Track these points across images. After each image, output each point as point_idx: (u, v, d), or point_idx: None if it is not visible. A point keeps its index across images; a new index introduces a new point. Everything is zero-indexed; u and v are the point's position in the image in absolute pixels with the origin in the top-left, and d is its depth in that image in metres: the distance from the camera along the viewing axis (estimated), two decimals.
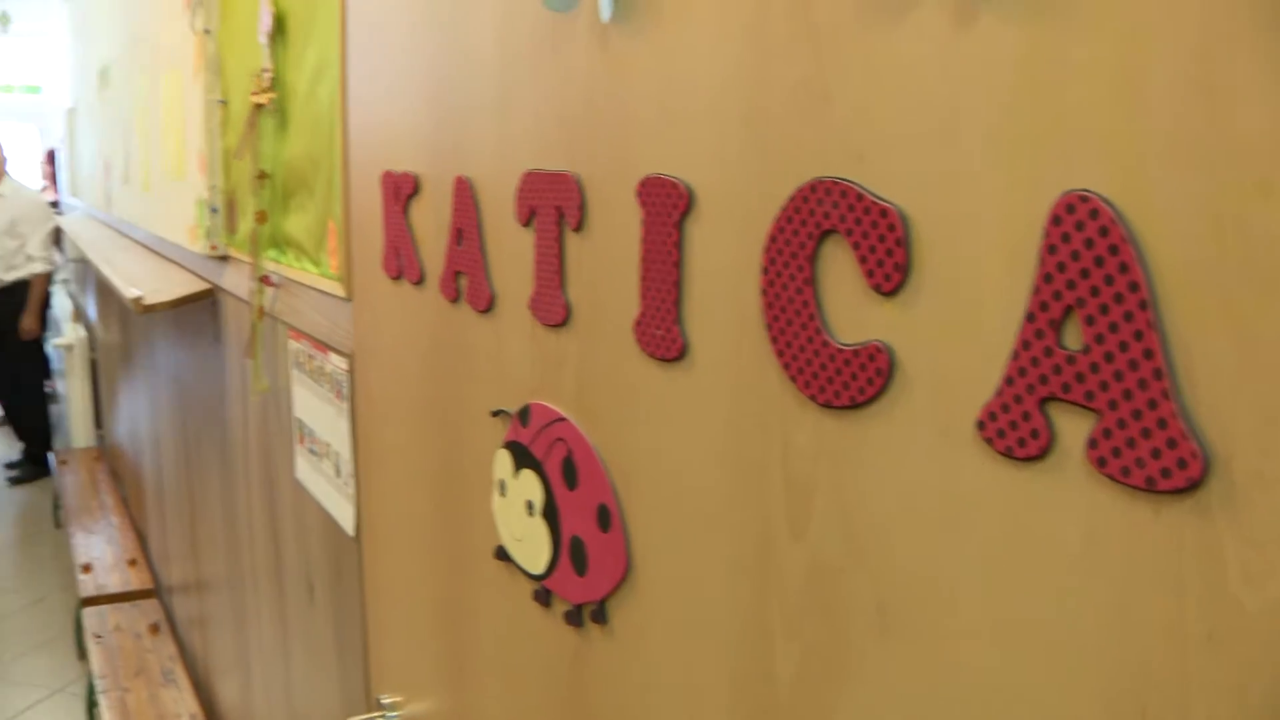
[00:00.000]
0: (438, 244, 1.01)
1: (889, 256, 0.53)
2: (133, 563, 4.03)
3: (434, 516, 1.12)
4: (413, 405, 1.14)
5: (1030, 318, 0.46)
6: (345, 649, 1.56)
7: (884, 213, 0.53)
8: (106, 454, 5.63)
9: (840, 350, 0.56)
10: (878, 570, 0.56)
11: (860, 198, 0.54)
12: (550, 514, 0.86)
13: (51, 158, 8.26)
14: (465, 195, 0.94)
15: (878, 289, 0.54)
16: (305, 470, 1.62)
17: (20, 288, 5.98)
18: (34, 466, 6.20)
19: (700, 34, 0.65)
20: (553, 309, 0.82)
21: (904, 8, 0.52)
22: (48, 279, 6.27)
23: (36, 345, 6.27)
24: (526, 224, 0.85)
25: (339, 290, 1.39)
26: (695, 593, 0.71)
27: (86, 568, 4.00)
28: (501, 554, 0.95)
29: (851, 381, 0.56)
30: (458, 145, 0.98)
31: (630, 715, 0.79)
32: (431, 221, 1.03)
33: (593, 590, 0.82)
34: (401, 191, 1.08)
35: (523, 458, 0.89)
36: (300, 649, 1.88)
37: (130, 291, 2.26)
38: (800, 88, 0.58)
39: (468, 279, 0.95)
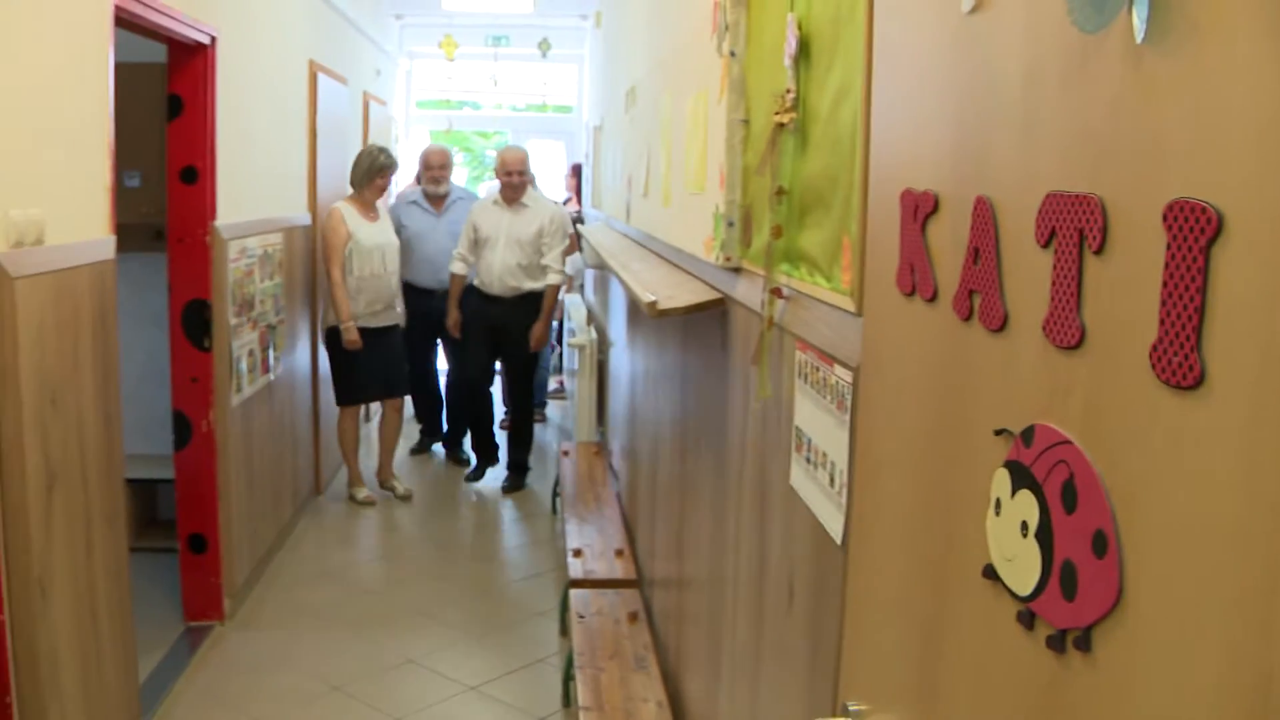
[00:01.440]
0: (953, 262, 1.07)
1: None
2: (619, 553, 4.37)
3: (922, 530, 1.17)
4: (912, 419, 1.20)
5: None
6: (817, 653, 1.64)
7: None
8: (605, 449, 6.12)
9: None
10: None
11: None
12: (1044, 536, 0.89)
13: (576, 171, 8.94)
14: (985, 214, 0.99)
15: None
16: (799, 478, 1.72)
17: (533, 297, 6.27)
18: (520, 475, 6.61)
19: (1242, 54, 0.66)
20: (1067, 331, 0.85)
21: None
22: (559, 290, 6.52)
23: (534, 356, 6.57)
24: (1045, 245, 0.88)
25: (849, 305, 1.48)
26: (1191, 629, 0.72)
27: (578, 552, 4.39)
28: (989, 572, 0.98)
29: None
30: (979, 165, 1.02)
31: None
32: (948, 239, 1.09)
33: (1080, 616, 0.84)
34: (920, 210, 1.14)
35: (1021, 478, 0.92)
36: (771, 650, 1.99)
37: (646, 296, 2.49)
38: None
39: (981, 297, 1.00)
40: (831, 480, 1.54)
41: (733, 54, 2.31)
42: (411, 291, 6.65)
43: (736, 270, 2.31)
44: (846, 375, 1.47)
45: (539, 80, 10.90)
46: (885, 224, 1.29)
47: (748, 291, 2.19)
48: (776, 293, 1.88)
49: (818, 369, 1.62)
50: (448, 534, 6.00)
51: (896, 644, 1.26)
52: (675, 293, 2.60)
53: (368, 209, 6.03)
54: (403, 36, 9.85)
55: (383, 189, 6.11)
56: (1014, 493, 0.93)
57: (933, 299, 1.13)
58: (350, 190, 6.14)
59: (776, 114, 1.87)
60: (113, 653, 3.39)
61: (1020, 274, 0.94)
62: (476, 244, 6.34)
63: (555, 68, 10.57)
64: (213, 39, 4.29)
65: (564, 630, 4.61)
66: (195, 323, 4.38)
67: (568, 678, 3.96)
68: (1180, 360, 0.71)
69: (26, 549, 2.78)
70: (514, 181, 6.20)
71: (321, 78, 6.31)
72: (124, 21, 3.43)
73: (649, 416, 3.98)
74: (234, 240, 4.61)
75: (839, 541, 1.49)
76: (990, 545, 0.98)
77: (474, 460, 6.89)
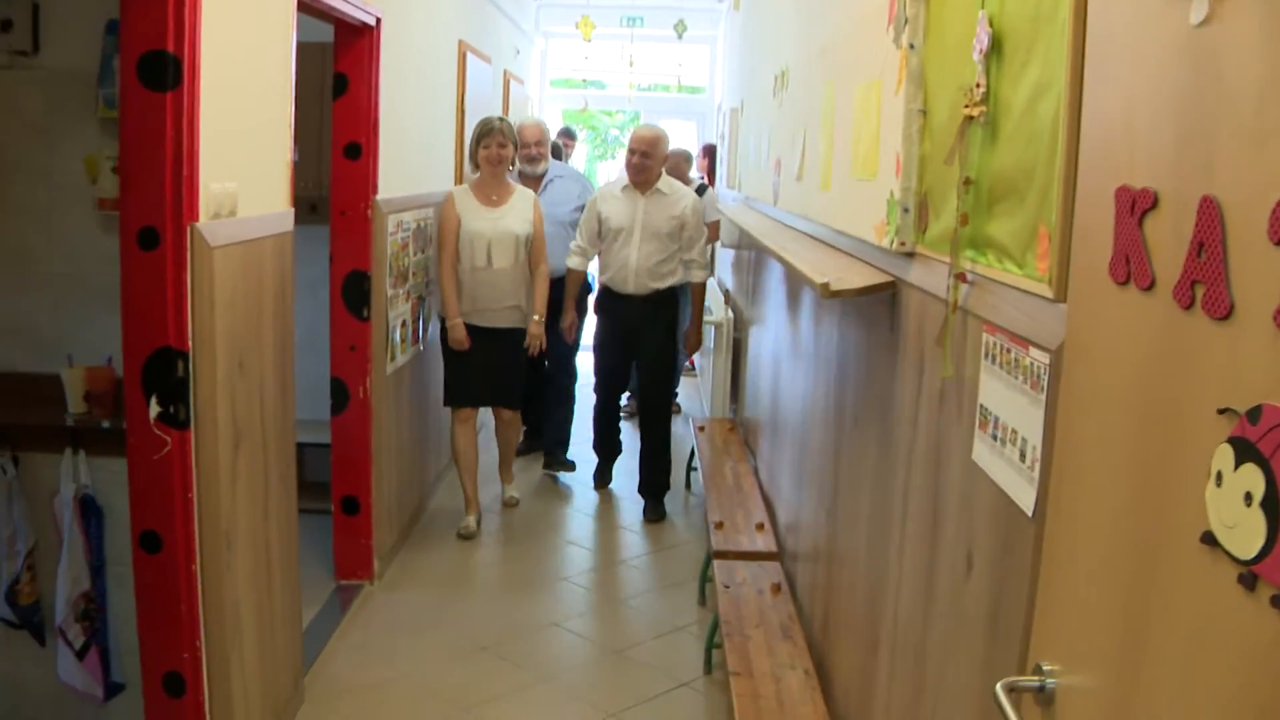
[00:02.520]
0: (1173, 255, 1.17)
1: None
2: (760, 527, 4.50)
3: (1132, 501, 1.27)
4: (1122, 399, 1.30)
5: None
6: (999, 619, 1.75)
7: None
8: (739, 425, 6.24)
9: None
10: None
11: None
12: (1269, 505, 0.99)
13: (708, 152, 8.95)
14: (1211, 212, 1.09)
15: None
16: (983, 453, 1.83)
17: (666, 294, 5.79)
18: (660, 499, 6.04)
19: None
20: None
21: None
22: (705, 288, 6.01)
23: (673, 362, 6.07)
24: (1278, 242, 0.98)
25: (1045, 291, 1.58)
26: None
27: (719, 525, 4.54)
28: (1208, 538, 1.09)
29: None
30: (1205, 167, 1.12)
31: None
32: (1168, 233, 1.19)
33: None
34: (1138, 205, 1.24)
35: (1246, 453, 1.02)
36: (942, 617, 2.09)
37: (819, 278, 2.60)
38: None
39: (1205, 288, 1.10)
40: (1022, 456, 1.64)
41: (911, 46, 2.40)
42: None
43: (910, 255, 2.41)
44: (1043, 357, 1.57)
45: (673, 61, 11.02)
46: (1096, 217, 1.38)
47: (923, 275, 2.29)
48: (960, 278, 1.98)
49: (1008, 350, 1.72)
50: (585, 505, 6.19)
51: (1097, 608, 1.36)
52: (844, 275, 2.71)
53: (488, 191, 5.47)
54: (539, 16, 10.04)
55: (493, 163, 5.42)
56: (1237, 466, 1.03)
57: (1149, 288, 1.23)
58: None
59: (966, 106, 1.96)
60: (281, 606, 3.63)
61: (1248, 268, 1.04)
62: (601, 236, 5.81)
63: (687, 48, 10.67)
64: (378, 20, 4.49)
65: (702, 600, 4.76)
66: (355, 293, 4.61)
67: (710, 645, 4.10)
68: None
69: (216, 504, 3.01)
70: (635, 162, 5.69)
71: (470, 57, 6.51)
72: (302, 4, 3.63)
73: (797, 394, 4.09)
74: (392, 214, 4.83)
75: (1030, 514, 1.60)
76: (1210, 514, 1.08)
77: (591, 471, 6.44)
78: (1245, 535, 1.02)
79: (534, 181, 6.24)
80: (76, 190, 3.25)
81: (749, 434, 5.89)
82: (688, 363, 8.75)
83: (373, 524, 4.84)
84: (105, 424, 3.29)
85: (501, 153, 5.43)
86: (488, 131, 5.42)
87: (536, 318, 5.54)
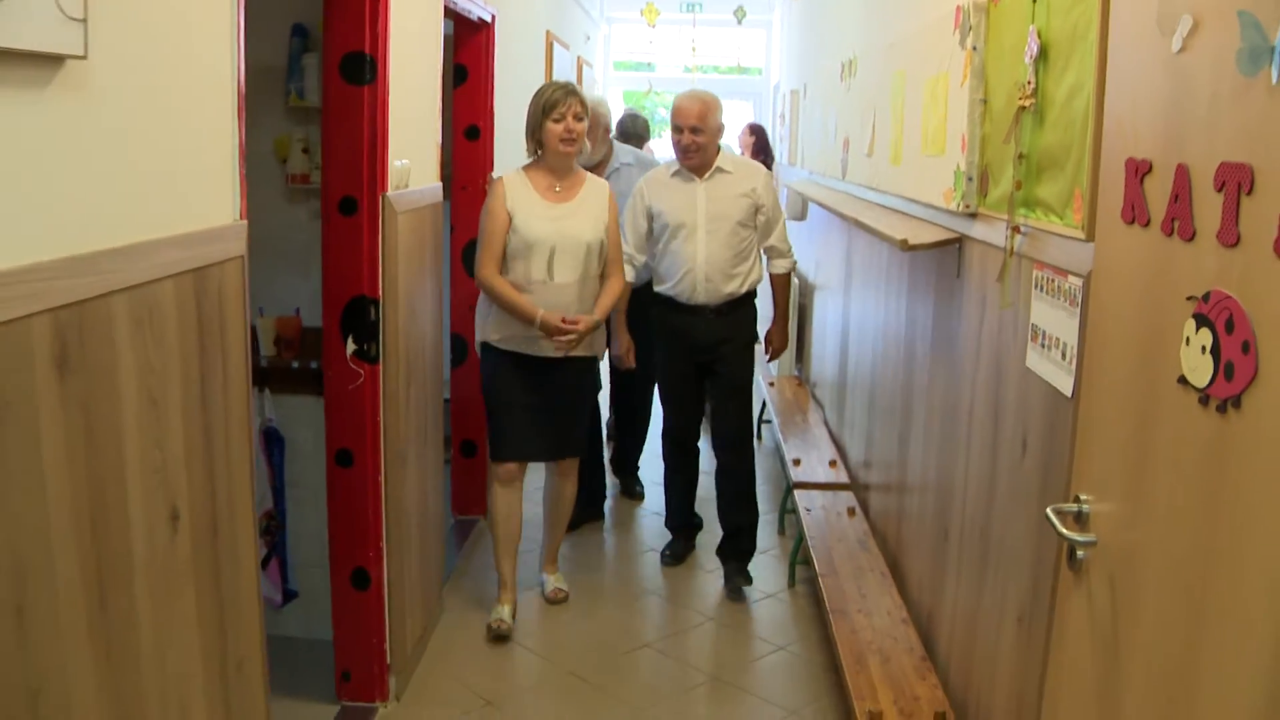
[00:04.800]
0: (1160, 201, 1.81)
1: None
2: (833, 464, 5.17)
3: (1135, 369, 1.92)
4: (1128, 301, 1.95)
5: None
6: (1049, 477, 2.40)
7: None
8: (805, 382, 6.90)
9: None
10: None
11: None
12: (1215, 351, 1.63)
13: (754, 131, 9.42)
14: (1183, 174, 1.73)
15: None
16: (1035, 360, 2.48)
17: (742, 302, 4.74)
18: (747, 553, 4.94)
19: None
20: (1230, 236, 1.59)
21: None
22: (790, 280, 5.06)
23: (751, 382, 4.95)
24: (1219, 190, 1.62)
25: (1079, 235, 2.23)
26: None
27: (797, 461, 5.20)
28: (1181, 380, 1.73)
29: None
30: (1179, 146, 1.77)
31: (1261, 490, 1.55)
32: (1158, 188, 1.83)
33: (1234, 389, 1.58)
34: (1140, 170, 1.89)
35: (1202, 321, 1.67)
36: (1003, 493, 2.75)
37: (898, 235, 3.25)
38: None
39: (1179, 222, 1.74)
40: (1063, 355, 2.30)
41: (975, 48, 3.04)
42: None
43: (973, 215, 3.05)
44: (1078, 282, 2.22)
45: (731, 44, 11.64)
46: (1113, 179, 2.03)
47: (985, 231, 2.94)
48: (1016, 230, 2.62)
49: (1053, 280, 2.37)
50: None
51: (1114, 450, 2.01)
52: (917, 233, 3.35)
53: (551, 180, 4.23)
54: (604, 3, 10.70)
55: (568, 141, 4.14)
56: (1197, 329, 1.68)
57: (1146, 225, 1.87)
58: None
59: (1020, 99, 2.60)
60: (433, 519, 4.33)
61: (1204, 208, 1.68)
62: (653, 235, 4.71)
63: (744, 32, 11.30)
64: (493, 16, 5.16)
65: (781, 529, 5.43)
66: (473, 258, 5.29)
67: (794, 562, 4.78)
68: None
69: (397, 427, 3.71)
70: (684, 142, 4.58)
71: (555, 46, 7.18)
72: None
73: (870, 344, 4.74)
74: None
75: (1069, 395, 2.25)
76: (1183, 364, 1.73)
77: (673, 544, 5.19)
78: (1202, 373, 1.67)
79: (593, 171, 4.89)
80: (267, 168, 3.93)
81: (816, 389, 6.54)
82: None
83: (486, 464, 5.54)
84: (294, 364, 3.98)
85: (577, 127, 4.16)
86: (557, 99, 4.14)
87: (595, 317, 4.25)
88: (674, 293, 4.69)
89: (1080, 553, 2.14)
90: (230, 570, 2.36)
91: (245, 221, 2.40)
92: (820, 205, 5.56)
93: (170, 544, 2.06)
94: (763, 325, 4.94)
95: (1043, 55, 2.54)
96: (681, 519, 5.17)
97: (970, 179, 3.03)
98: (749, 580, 4.77)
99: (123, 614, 1.89)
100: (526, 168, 4.29)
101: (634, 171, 5.29)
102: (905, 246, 3.21)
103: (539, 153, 4.25)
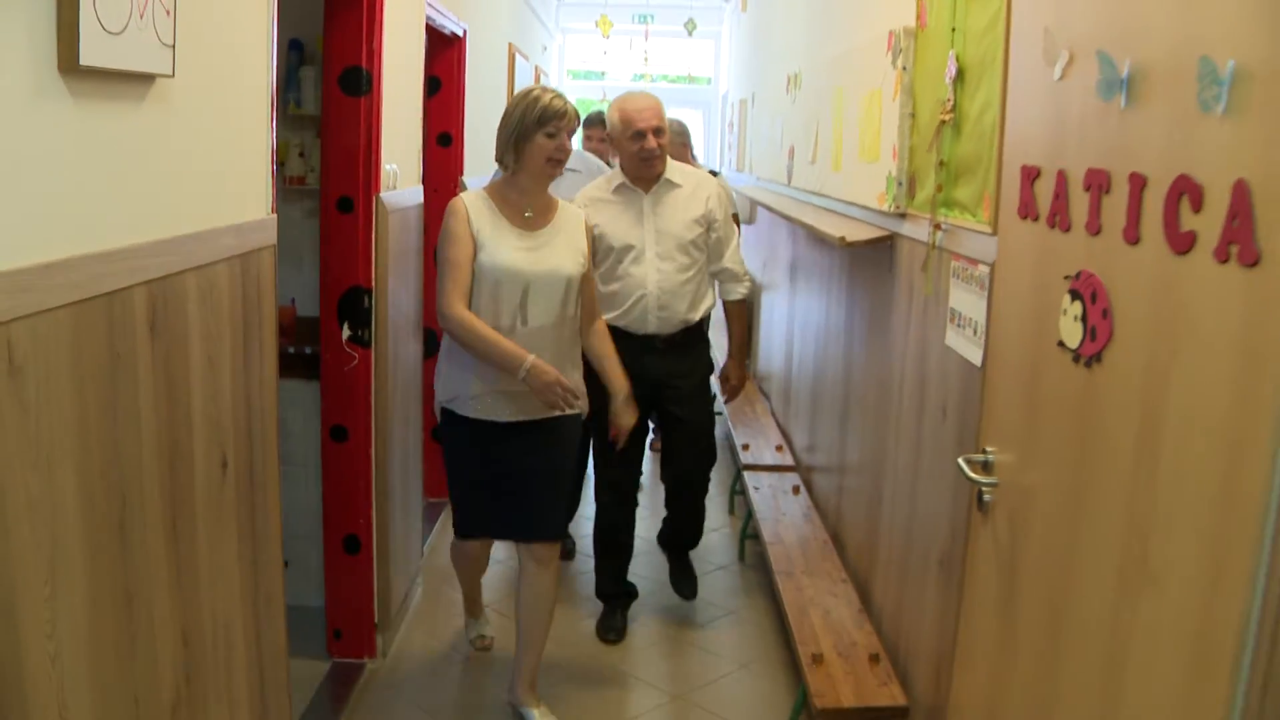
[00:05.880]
0: (1045, 200, 2.24)
1: None
2: (779, 448, 5.60)
3: (1028, 339, 2.35)
4: (1022, 282, 2.38)
5: None
6: (963, 435, 2.83)
7: None
8: (754, 376, 7.32)
9: None
10: None
11: None
12: (1083, 319, 2.05)
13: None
14: (1061, 178, 2.16)
15: None
16: (952, 338, 2.91)
17: (696, 328, 4.34)
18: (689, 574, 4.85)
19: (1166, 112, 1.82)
20: (1094, 225, 2.01)
21: None
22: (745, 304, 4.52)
23: (711, 413, 4.65)
24: (1086, 190, 2.05)
25: (987, 230, 2.66)
26: (1139, 343, 1.88)
27: (746, 446, 5.62)
28: (1060, 344, 2.15)
29: None
30: (1059, 154, 2.19)
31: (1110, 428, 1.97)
32: (1044, 189, 2.26)
33: (1097, 347, 2.01)
34: (1031, 176, 2.32)
35: (1075, 295, 2.09)
36: (928, 453, 3.18)
37: (837, 234, 3.68)
38: None
39: (1059, 216, 2.17)
40: (974, 331, 2.72)
41: (904, 68, 3.47)
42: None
43: (902, 215, 3.48)
44: (986, 269, 2.65)
45: (682, 55, 12.08)
46: (1011, 182, 2.46)
47: (912, 228, 3.37)
48: (937, 227, 3.05)
49: (967, 269, 2.80)
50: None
51: (1012, 407, 2.44)
52: (854, 231, 3.78)
53: (521, 205, 3.57)
54: (559, 14, 11.11)
55: (555, 162, 3.54)
56: (1072, 301, 2.10)
57: (1036, 220, 2.30)
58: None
59: (941, 114, 3.03)
60: (414, 490, 4.71)
61: (1075, 204, 2.10)
62: (597, 259, 4.10)
63: (694, 43, 11.75)
64: (465, 31, 5.54)
65: (731, 510, 5.84)
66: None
67: (744, 537, 5.20)
68: (1134, 231, 1.87)
69: (386, 406, 4.09)
70: (649, 147, 4.09)
71: (517, 57, 7.57)
72: None
73: (811, 338, 5.17)
74: None
75: (979, 365, 2.68)
76: (1061, 331, 2.15)
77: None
78: (1074, 336, 2.10)
79: None
80: None
81: (762, 382, 6.97)
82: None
83: None
84: (290, 349, 4.34)
85: (567, 148, 3.57)
86: (557, 109, 3.49)
87: (624, 396, 3.80)
88: (623, 323, 4.17)
89: (986, 495, 2.57)
90: (262, 516, 2.73)
91: (275, 215, 2.77)
92: (768, 209, 5.99)
93: (220, 487, 2.44)
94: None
95: (960, 77, 2.97)
96: (617, 586, 4.56)
97: (900, 183, 3.46)
98: (694, 582, 4.73)
99: (189, 542, 2.27)
100: (489, 188, 3.62)
101: (582, 179, 4.70)
102: (843, 243, 3.64)
103: (513, 168, 3.54)
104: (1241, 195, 1.56)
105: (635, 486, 4.50)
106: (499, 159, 3.60)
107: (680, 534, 4.75)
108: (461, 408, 3.60)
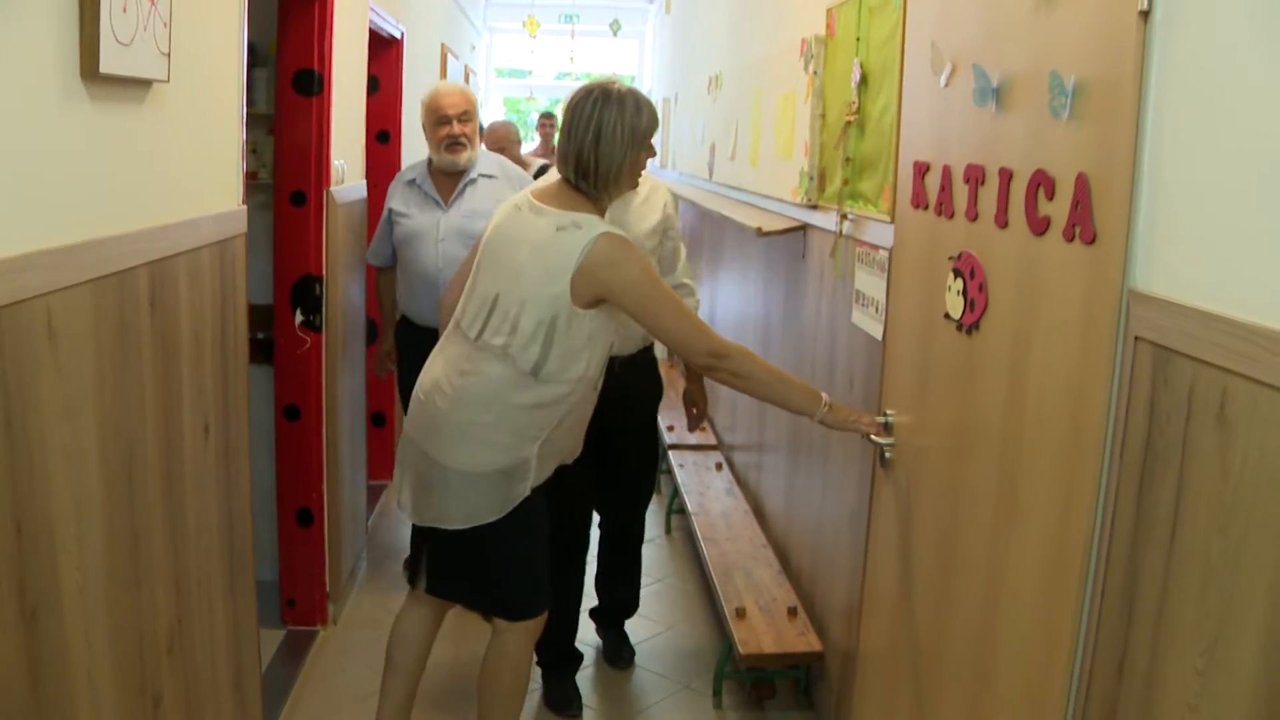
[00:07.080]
0: (933, 191, 2.58)
1: None
2: (702, 428, 5.91)
3: (919, 314, 2.68)
4: (915, 265, 2.72)
5: None
6: (869, 402, 3.16)
7: None
8: (672, 362, 7.63)
9: None
10: None
11: None
12: (964, 292, 2.39)
13: (548, 119, 9.52)
14: (946, 171, 2.50)
15: None
16: (857, 316, 3.25)
17: (648, 355, 4.03)
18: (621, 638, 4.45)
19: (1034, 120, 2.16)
20: (970, 212, 2.35)
21: None
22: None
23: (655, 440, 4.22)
24: (965, 182, 2.38)
25: (886, 219, 3.00)
26: (1011, 311, 2.22)
27: (670, 428, 5.94)
28: (946, 316, 2.49)
29: None
30: (944, 151, 2.53)
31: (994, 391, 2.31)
32: (932, 181, 2.60)
33: (975, 317, 2.34)
34: (921, 170, 2.66)
35: (958, 274, 2.43)
36: None
37: (753, 224, 4.00)
38: None
39: (945, 205, 2.51)
40: (876, 310, 3.06)
41: (815, 73, 3.80)
42: (406, 332, 4.55)
43: (814, 207, 3.81)
44: (885, 254, 2.99)
45: (607, 54, 12.37)
46: (906, 176, 2.80)
47: (822, 219, 3.70)
48: (844, 216, 3.39)
49: (870, 254, 3.14)
50: None
51: (908, 373, 2.78)
52: (770, 222, 4.12)
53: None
54: (487, 14, 11.36)
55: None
56: (955, 278, 2.44)
57: (925, 209, 2.64)
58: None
59: (847, 115, 3.37)
60: (359, 473, 4.96)
61: (957, 196, 2.44)
62: None
63: (619, 43, 12.06)
64: (402, 34, 5.80)
65: (658, 489, 6.15)
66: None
67: (670, 511, 5.51)
68: (1003, 217, 2.21)
69: (335, 386, 4.34)
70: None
71: (448, 56, 7.82)
72: None
73: (734, 320, 5.51)
74: None
75: (879, 338, 3.02)
76: (947, 304, 2.49)
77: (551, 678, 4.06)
78: (957, 308, 2.43)
79: (450, 181, 4.42)
80: None
81: (680, 365, 7.28)
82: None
83: (394, 435, 6.17)
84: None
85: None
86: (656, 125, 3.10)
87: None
88: None
89: (887, 454, 2.91)
90: (236, 482, 2.99)
91: (245, 207, 3.03)
92: (690, 203, 6.30)
93: (204, 451, 2.70)
94: None
95: (864, 81, 3.30)
96: (564, 649, 4.10)
97: (811, 178, 3.80)
98: (631, 652, 4.37)
99: (179, 497, 2.52)
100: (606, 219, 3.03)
101: (498, 186, 4.37)
102: (760, 233, 3.97)
103: (611, 196, 3.06)
104: (1082, 186, 1.90)
105: (588, 532, 4.05)
106: (603, 188, 2.98)
107: (624, 600, 4.38)
108: (526, 479, 2.99)
